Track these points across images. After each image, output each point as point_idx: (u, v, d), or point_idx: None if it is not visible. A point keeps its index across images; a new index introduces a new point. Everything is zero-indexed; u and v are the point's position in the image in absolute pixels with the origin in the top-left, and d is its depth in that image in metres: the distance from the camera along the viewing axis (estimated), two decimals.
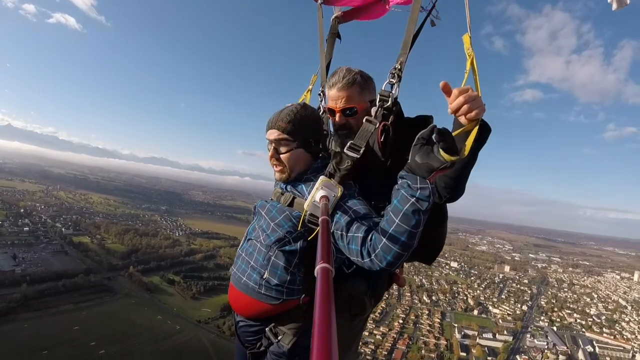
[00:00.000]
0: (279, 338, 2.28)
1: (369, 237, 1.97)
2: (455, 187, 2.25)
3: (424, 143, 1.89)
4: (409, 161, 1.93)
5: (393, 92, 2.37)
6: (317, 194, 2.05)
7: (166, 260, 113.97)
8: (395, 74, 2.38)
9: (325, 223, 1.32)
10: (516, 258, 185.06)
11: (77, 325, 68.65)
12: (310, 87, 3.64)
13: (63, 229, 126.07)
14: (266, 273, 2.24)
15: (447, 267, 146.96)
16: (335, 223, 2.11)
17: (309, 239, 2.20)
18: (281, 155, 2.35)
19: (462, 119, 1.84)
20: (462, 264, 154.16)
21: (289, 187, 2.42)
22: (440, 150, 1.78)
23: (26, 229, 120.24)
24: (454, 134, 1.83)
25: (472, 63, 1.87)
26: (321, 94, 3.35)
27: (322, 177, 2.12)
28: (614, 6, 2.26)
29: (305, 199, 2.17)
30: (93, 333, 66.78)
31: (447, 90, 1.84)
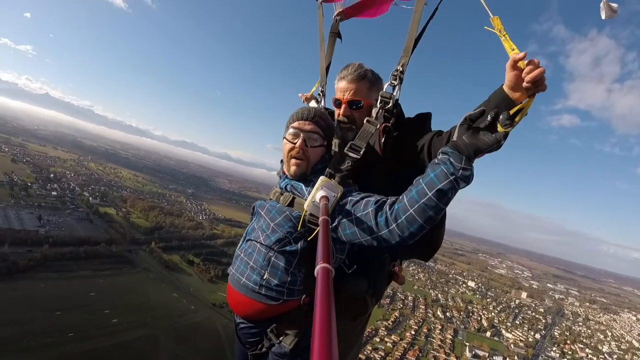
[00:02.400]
0: (281, 339, 2.27)
1: (388, 206, 1.94)
2: None
3: (470, 124, 1.86)
4: (454, 139, 1.88)
5: (394, 94, 2.43)
6: (317, 194, 2.05)
7: (188, 241, 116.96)
8: (397, 76, 2.43)
9: (325, 223, 1.32)
10: (534, 286, 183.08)
11: (93, 292, 71.04)
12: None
13: (90, 198, 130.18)
14: (266, 274, 2.22)
15: (464, 285, 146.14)
16: (339, 218, 2.11)
17: (309, 239, 2.19)
18: (310, 148, 2.36)
19: (520, 94, 1.84)
20: (480, 284, 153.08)
21: (288, 187, 2.42)
22: (499, 125, 1.77)
23: (54, 193, 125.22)
24: (512, 111, 1.78)
25: (509, 40, 1.82)
26: (320, 94, 3.45)
27: (322, 178, 2.13)
28: (603, 15, 2.26)
29: (305, 199, 2.19)
30: (108, 301, 68.95)
31: (518, 62, 1.79)
